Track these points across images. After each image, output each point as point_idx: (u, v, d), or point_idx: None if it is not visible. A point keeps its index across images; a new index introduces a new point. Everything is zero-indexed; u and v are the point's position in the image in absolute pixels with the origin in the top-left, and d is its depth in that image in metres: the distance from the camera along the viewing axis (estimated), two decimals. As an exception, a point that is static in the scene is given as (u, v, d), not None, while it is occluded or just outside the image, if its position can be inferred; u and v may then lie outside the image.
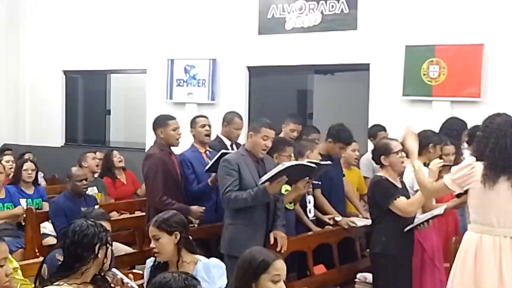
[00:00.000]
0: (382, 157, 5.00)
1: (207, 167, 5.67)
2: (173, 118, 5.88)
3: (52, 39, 10.60)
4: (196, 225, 5.69)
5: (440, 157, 5.51)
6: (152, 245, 3.80)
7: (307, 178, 5.07)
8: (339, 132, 6.03)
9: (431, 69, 7.56)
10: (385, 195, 4.82)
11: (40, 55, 10.75)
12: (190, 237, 3.92)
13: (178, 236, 3.79)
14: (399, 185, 5.01)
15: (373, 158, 5.23)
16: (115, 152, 8.22)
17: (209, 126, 6.11)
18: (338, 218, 5.82)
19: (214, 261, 3.83)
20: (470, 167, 4.02)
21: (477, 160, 4.04)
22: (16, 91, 10.98)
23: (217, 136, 6.40)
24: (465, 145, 6.35)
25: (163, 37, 9.51)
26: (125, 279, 3.50)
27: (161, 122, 5.83)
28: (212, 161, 5.55)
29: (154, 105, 9.52)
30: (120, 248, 6.12)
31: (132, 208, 7.44)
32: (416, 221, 4.86)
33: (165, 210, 5.09)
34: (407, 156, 4.83)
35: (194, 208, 5.62)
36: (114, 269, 3.52)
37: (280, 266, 2.89)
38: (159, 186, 5.59)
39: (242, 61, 8.96)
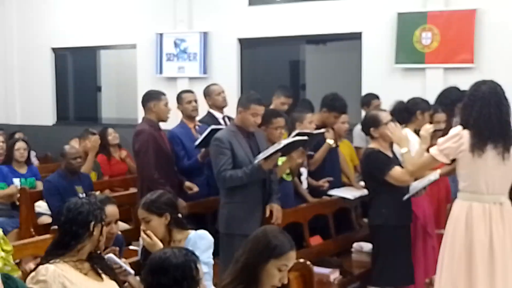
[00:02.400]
0: (372, 129, 4.97)
1: (196, 143, 5.64)
2: (165, 94, 5.86)
3: (40, 16, 10.49)
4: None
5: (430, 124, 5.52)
6: (142, 227, 3.79)
7: (300, 148, 5.07)
8: (334, 101, 6.02)
9: (423, 36, 7.54)
10: (379, 167, 4.80)
11: (27, 33, 10.65)
12: (180, 215, 3.93)
13: (168, 217, 3.79)
14: (391, 155, 5.01)
15: (362, 130, 5.20)
16: (110, 130, 8.13)
17: (195, 101, 6.07)
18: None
19: (202, 233, 3.83)
20: (458, 137, 4.03)
21: (463, 128, 4.04)
22: (4, 70, 10.90)
23: (208, 112, 6.37)
24: None
25: (152, 11, 9.44)
26: (123, 265, 3.51)
27: (154, 96, 5.79)
28: (202, 137, 5.53)
29: (145, 81, 9.47)
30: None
31: (127, 185, 7.43)
32: (412, 189, 4.86)
33: (153, 186, 5.10)
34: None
35: (181, 202, 5.45)
36: (111, 255, 3.52)
37: (291, 257, 2.90)
38: (151, 162, 5.56)
39: (233, 34, 8.91)
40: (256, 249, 2.86)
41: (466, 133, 4.00)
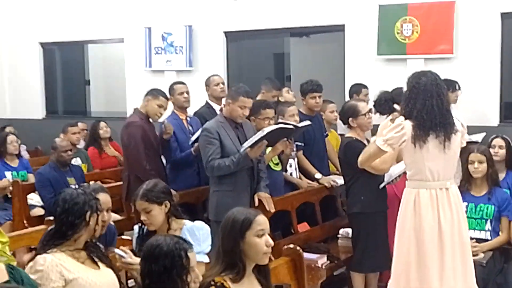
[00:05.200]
0: (350, 119, 5.10)
1: (193, 139, 5.70)
2: (166, 98, 5.84)
3: (27, 11, 10.50)
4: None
5: None
6: (142, 218, 3.85)
7: (285, 138, 5.17)
8: (302, 86, 6.19)
9: (404, 27, 7.67)
10: (358, 156, 4.77)
11: (15, 27, 10.66)
12: (174, 201, 3.99)
13: (168, 205, 3.86)
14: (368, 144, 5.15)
15: (340, 119, 5.31)
16: (102, 124, 8.15)
17: (187, 92, 6.15)
18: (318, 175, 5.95)
19: (199, 223, 3.91)
20: (400, 127, 4.09)
21: (405, 118, 4.13)
22: (-7, 65, 10.91)
23: (206, 102, 6.43)
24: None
25: (139, 5, 9.49)
26: (124, 257, 3.55)
27: (154, 93, 5.77)
28: (196, 135, 5.59)
29: (133, 74, 9.57)
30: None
31: (117, 176, 7.51)
32: (388, 178, 4.98)
33: (144, 177, 5.19)
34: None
35: (172, 191, 5.51)
36: (117, 249, 3.59)
37: (262, 221, 2.98)
38: (141, 153, 5.61)
39: (219, 27, 8.99)
40: (227, 232, 2.95)
41: (408, 124, 4.09)
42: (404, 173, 4.58)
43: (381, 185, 5.03)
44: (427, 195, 4.15)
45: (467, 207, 5.01)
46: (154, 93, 5.78)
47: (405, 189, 4.30)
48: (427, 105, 4.06)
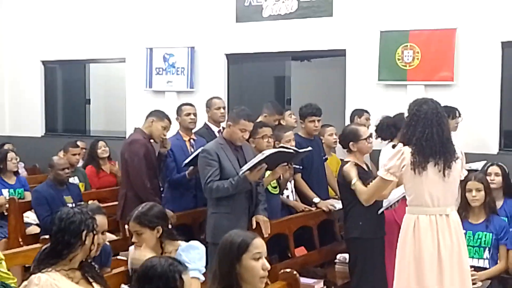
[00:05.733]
0: (351, 143, 5.08)
1: (186, 161, 5.71)
2: (170, 121, 5.90)
3: (30, 29, 10.55)
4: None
5: None
6: (134, 239, 3.87)
7: (285, 163, 5.16)
8: (302, 109, 6.22)
9: (405, 54, 7.70)
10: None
11: (17, 45, 10.70)
12: (170, 226, 4.00)
13: (160, 230, 3.86)
14: (366, 169, 5.15)
15: (340, 143, 5.31)
16: (100, 143, 8.12)
17: (194, 114, 6.17)
18: (317, 200, 5.94)
19: (193, 243, 3.92)
20: (400, 154, 4.13)
21: (404, 145, 4.16)
22: (-6, 82, 10.93)
23: (205, 124, 6.46)
24: None
25: (142, 26, 9.54)
26: None
27: (158, 114, 5.83)
28: (191, 156, 5.62)
29: (133, 94, 9.59)
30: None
31: (114, 196, 7.49)
32: (387, 203, 4.97)
33: (144, 195, 5.18)
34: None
35: (169, 212, 5.37)
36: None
37: (259, 244, 2.97)
38: (143, 171, 5.63)
39: (220, 49, 9.03)
40: (225, 255, 2.94)
41: (407, 150, 4.11)
42: (403, 199, 4.59)
43: (380, 211, 5.01)
44: (427, 221, 4.14)
45: (465, 235, 4.99)
46: (159, 115, 5.84)
47: (405, 215, 4.30)
48: (426, 133, 4.08)
